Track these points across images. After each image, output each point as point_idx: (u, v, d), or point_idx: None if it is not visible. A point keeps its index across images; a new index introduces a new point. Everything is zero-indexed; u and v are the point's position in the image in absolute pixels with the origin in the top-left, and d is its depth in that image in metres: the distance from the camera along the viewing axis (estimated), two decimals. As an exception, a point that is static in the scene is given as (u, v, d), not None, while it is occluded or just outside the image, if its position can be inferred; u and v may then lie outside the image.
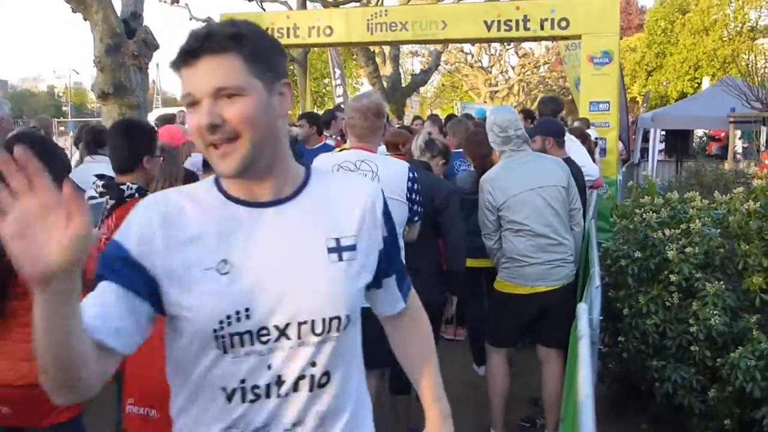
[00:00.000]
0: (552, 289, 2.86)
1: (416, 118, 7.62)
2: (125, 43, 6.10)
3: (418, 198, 2.46)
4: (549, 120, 4.13)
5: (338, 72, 13.01)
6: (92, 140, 3.96)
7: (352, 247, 1.04)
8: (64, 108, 46.91)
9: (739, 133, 9.75)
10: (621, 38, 9.10)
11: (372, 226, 1.09)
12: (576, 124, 6.18)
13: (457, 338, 4.47)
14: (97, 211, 2.03)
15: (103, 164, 3.87)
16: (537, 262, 2.84)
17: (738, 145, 9.91)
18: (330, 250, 1.02)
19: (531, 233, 2.85)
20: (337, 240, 1.03)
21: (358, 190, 1.12)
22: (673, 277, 2.68)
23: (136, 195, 2.16)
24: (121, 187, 2.18)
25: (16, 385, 1.74)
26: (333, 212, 1.05)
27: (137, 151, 2.23)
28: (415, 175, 2.48)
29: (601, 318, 2.32)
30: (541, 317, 2.93)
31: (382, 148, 3.18)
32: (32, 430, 1.87)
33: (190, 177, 2.39)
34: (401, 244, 2.25)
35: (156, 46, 6.35)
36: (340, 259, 1.02)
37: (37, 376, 1.51)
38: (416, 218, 2.49)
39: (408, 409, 2.86)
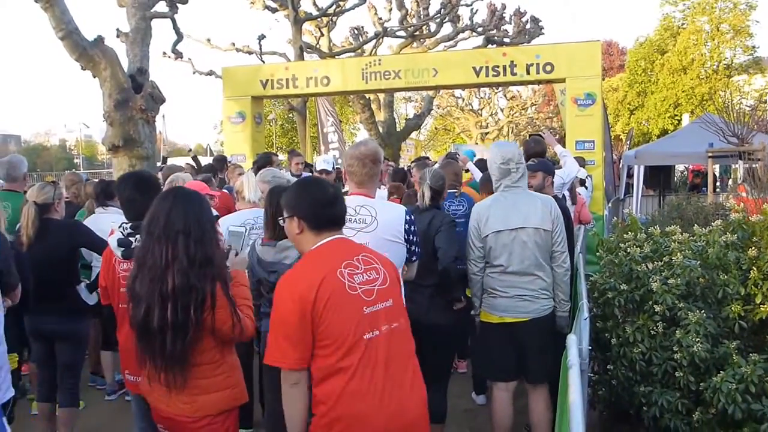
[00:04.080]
0: (519, 321, 3.03)
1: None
2: (133, 98, 6.33)
3: (415, 239, 2.61)
4: (550, 161, 4.41)
5: (330, 120, 12.95)
6: (101, 192, 4.19)
7: None
8: (75, 160, 47.83)
9: (717, 167, 10.11)
10: (603, 79, 9.48)
11: None
12: None
13: (459, 371, 4.54)
14: (237, 239, 2.19)
15: (113, 214, 4.07)
16: (505, 296, 3.04)
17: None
18: None
19: (502, 270, 3.04)
20: None
21: None
22: (657, 308, 2.80)
23: None
24: None
25: (193, 417, 1.99)
26: None
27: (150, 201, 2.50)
28: (412, 218, 2.65)
29: (591, 347, 2.46)
30: (519, 353, 3.07)
31: (381, 192, 3.41)
32: None
33: None
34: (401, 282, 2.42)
35: (162, 100, 6.55)
36: None
37: (210, 408, 2.05)
38: (414, 258, 2.64)
39: None
